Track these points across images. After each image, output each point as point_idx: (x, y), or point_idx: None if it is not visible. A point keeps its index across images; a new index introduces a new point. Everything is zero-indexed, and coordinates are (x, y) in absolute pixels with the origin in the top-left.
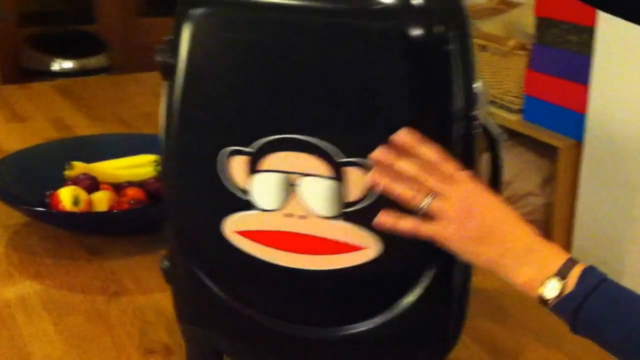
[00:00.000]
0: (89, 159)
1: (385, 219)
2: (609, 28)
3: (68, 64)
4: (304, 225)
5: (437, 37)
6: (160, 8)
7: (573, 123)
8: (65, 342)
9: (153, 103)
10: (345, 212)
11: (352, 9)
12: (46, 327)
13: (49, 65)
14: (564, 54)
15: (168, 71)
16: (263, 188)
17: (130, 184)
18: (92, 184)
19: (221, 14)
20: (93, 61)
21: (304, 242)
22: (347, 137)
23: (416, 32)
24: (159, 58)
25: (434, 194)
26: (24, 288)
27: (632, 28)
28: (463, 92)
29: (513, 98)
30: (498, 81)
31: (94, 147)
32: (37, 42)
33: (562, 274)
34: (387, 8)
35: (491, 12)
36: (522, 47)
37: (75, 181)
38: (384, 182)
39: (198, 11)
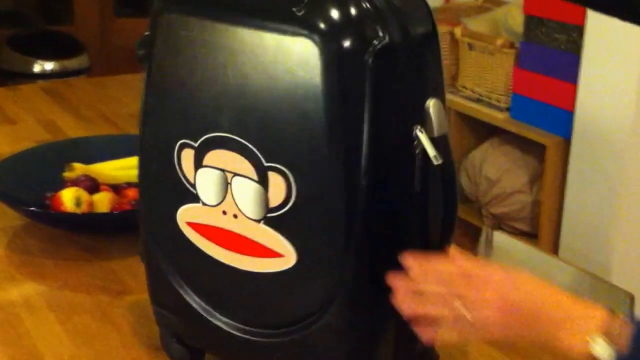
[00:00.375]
0: (85, 161)
1: (427, 333)
2: (598, 26)
3: (49, 66)
4: (236, 224)
5: (355, 51)
6: (136, 8)
7: (560, 121)
8: (74, 341)
9: (138, 104)
10: (268, 217)
11: (279, 16)
12: (53, 327)
13: (30, 67)
14: (552, 52)
15: (144, 64)
16: (205, 183)
17: (129, 184)
18: (92, 185)
19: (181, 14)
20: (73, 62)
21: (235, 240)
22: (272, 143)
23: (336, 45)
24: (138, 52)
25: (468, 306)
26: (28, 289)
27: (620, 27)
28: (395, 107)
29: (500, 96)
30: (486, 79)
31: (89, 148)
32: (16, 43)
33: (608, 333)
34: (310, 16)
35: (479, 11)
36: (510, 46)
37: (75, 182)
38: (410, 309)
39: (165, 10)
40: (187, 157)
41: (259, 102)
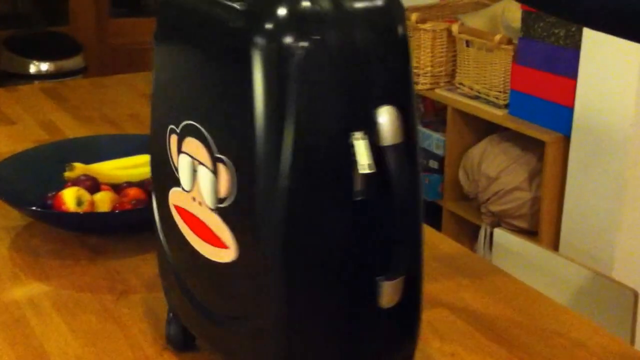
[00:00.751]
0: (85, 161)
1: None
2: None
3: (45, 66)
4: (200, 210)
5: (290, 49)
6: (131, 8)
7: (560, 117)
8: (80, 340)
9: (138, 104)
10: (219, 207)
11: (226, 11)
12: (59, 327)
13: (27, 68)
14: (550, 47)
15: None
16: (182, 169)
17: (130, 184)
18: (93, 185)
19: (174, 8)
20: (70, 63)
21: (200, 226)
22: (220, 135)
23: (274, 42)
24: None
25: None
26: (32, 289)
27: None
28: (336, 109)
29: (499, 93)
30: (483, 76)
31: (89, 148)
32: (13, 44)
33: None
34: (250, 11)
35: (476, 7)
36: (508, 42)
37: (75, 182)
38: None
39: (165, 6)
40: (173, 142)
41: (209, 93)
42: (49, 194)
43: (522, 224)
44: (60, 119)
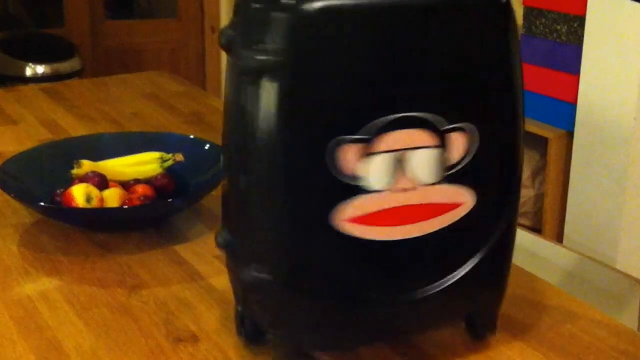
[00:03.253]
0: (91, 159)
1: None
2: (599, 16)
3: (42, 69)
4: (410, 197)
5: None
6: (126, 10)
7: (563, 113)
8: (94, 333)
9: (140, 103)
10: (448, 175)
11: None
12: (73, 320)
13: (23, 71)
14: (553, 44)
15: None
16: (377, 170)
17: (137, 181)
18: (101, 182)
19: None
20: (66, 65)
21: (409, 212)
22: (449, 107)
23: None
24: (223, 39)
25: None
26: (44, 284)
27: (622, 16)
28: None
29: None
30: None
31: (94, 146)
32: (8, 47)
33: None
34: None
35: None
36: None
37: (84, 179)
38: None
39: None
40: (349, 151)
41: (439, 72)
42: (58, 191)
43: (526, 222)
44: (63, 118)
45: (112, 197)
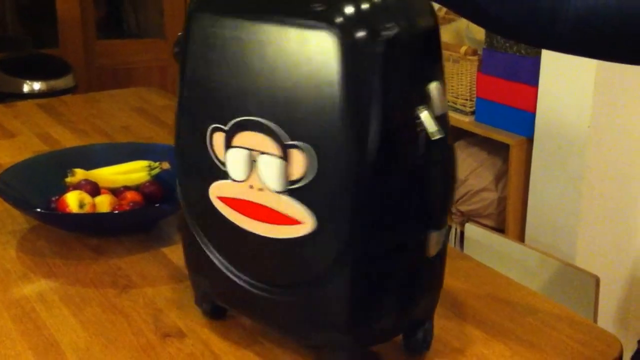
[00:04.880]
0: (83, 168)
1: None
2: None
3: (38, 86)
4: (261, 196)
5: (366, 41)
6: (116, 31)
7: (523, 122)
8: (87, 331)
9: (129, 116)
10: (289, 189)
11: (300, 13)
12: (68, 319)
13: (20, 88)
14: (512, 57)
15: (179, 61)
16: (234, 161)
17: (127, 188)
18: (93, 189)
19: (212, 14)
20: (60, 82)
21: (260, 210)
22: (293, 123)
23: (352, 34)
24: (174, 50)
25: None
26: (41, 286)
27: None
28: (402, 91)
29: (465, 101)
30: (451, 86)
31: (86, 156)
32: (7, 66)
33: None
34: (328, 12)
35: (442, 22)
36: (473, 53)
37: (77, 186)
38: None
39: (198, 11)
40: (218, 139)
41: (282, 88)
42: (52, 198)
43: (490, 223)
44: (57, 131)
45: (104, 203)
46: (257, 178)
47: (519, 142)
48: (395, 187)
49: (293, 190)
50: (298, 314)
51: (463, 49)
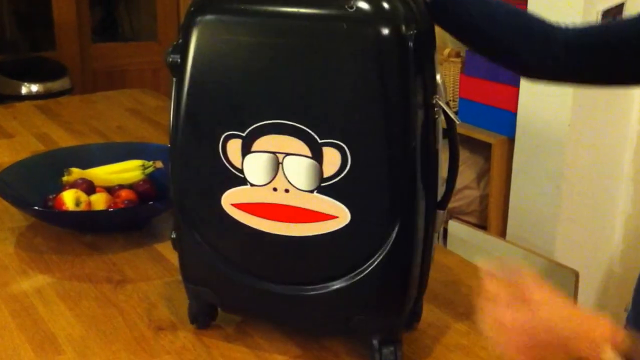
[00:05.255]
0: (79, 167)
1: None
2: None
3: (35, 88)
4: (287, 197)
5: (400, 36)
6: (111, 34)
7: (505, 121)
8: (83, 324)
9: (123, 117)
10: (322, 186)
11: (328, 14)
12: (64, 313)
13: (18, 90)
14: None
15: (176, 69)
16: (254, 166)
17: (121, 186)
18: (89, 187)
19: (224, 20)
20: (57, 84)
21: (286, 212)
22: (326, 122)
23: (381, 32)
24: (169, 59)
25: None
26: (38, 281)
27: None
28: (424, 82)
29: (449, 101)
30: None
31: (82, 156)
32: (5, 68)
33: (614, 341)
34: (356, 12)
35: None
36: (456, 54)
37: (73, 185)
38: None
39: (205, 18)
40: (233, 146)
41: (312, 88)
42: (49, 197)
43: (472, 220)
44: (54, 132)
45: (99, 201)
46: (282, 180)
47: (500, 141)
48: (421, 172)
49: (324, 187)
50: (329, 307)
51: (446, 51)
